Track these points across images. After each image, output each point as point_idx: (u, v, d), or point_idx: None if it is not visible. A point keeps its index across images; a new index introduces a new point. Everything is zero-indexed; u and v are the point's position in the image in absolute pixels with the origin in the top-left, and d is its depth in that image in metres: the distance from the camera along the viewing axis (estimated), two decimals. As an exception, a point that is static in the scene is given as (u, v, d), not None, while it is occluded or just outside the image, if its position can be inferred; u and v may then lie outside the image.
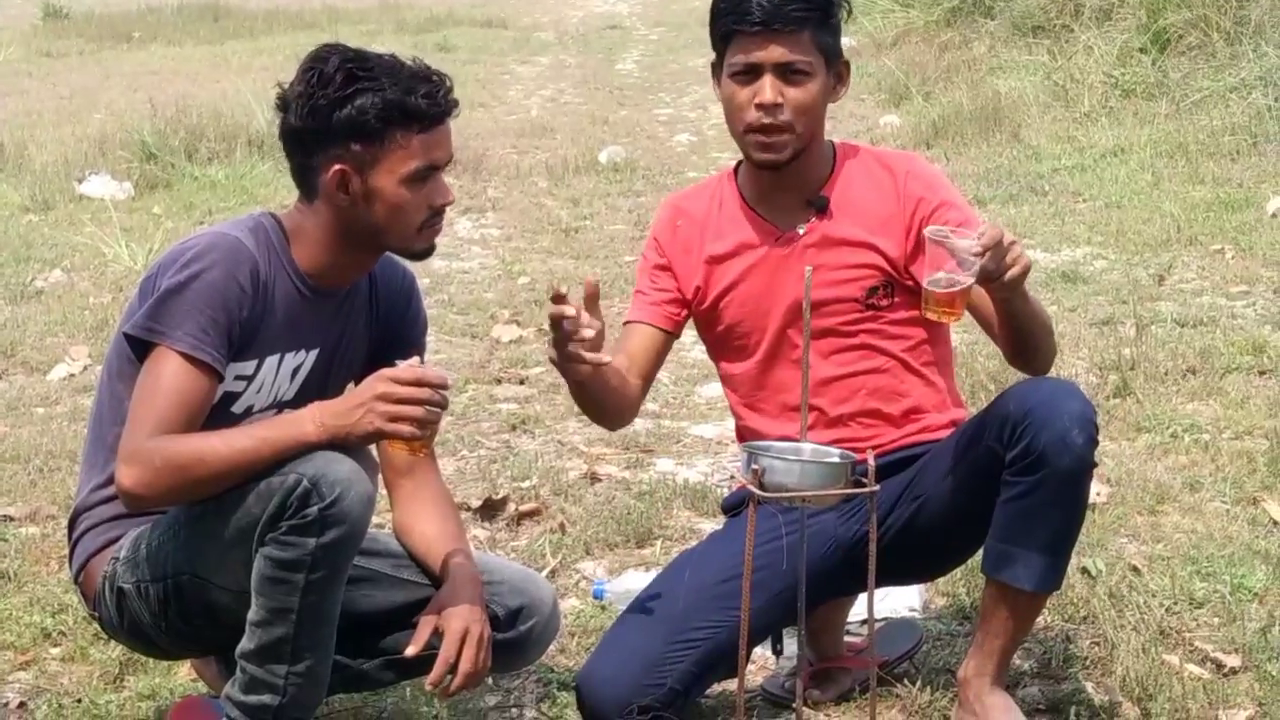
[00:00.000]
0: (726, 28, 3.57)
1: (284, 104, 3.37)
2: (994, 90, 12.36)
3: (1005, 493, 3.40)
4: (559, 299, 3.28)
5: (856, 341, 3.66)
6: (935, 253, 3.20)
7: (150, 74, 17.18)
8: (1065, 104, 11.96)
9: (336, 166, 3.33)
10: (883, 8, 16.94)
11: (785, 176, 3.64)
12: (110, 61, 18.66)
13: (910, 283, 3.62)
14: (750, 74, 3.54)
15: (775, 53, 3.51)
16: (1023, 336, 3.51)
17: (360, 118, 3.29)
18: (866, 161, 3.73)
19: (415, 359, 3.23)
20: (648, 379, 3.75)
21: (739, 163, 3.76)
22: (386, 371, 3.16)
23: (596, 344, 3.29)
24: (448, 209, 3.47)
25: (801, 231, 3.67)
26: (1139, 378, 6.03)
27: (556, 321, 3.29)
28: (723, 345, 3.82)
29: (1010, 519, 3.41)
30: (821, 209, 3.66)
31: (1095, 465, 3.43)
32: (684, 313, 3.78)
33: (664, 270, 3.78)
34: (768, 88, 3.52)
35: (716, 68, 3.64)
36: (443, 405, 3.17)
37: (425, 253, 3.48)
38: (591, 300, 3.31)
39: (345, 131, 3.30)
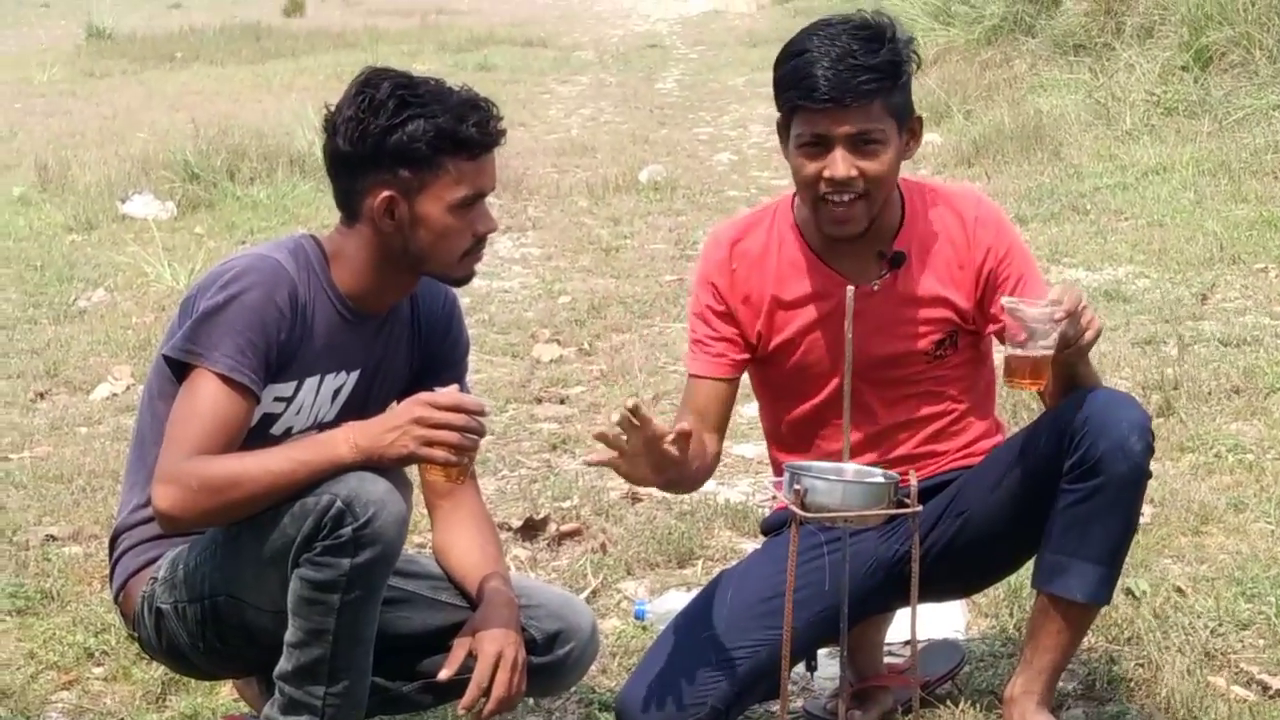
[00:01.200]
0: (792, 101, 3.45)
1: (332, 127, 3.35)
2: (1035, 108, 12.32)
3: (1060, 501, 3.39)
4: (636, 416, 3.17)
5: (920, 390, 3.63)
6: (1013, 324, 3.19)
7: (193, 94, 17.23)
8: (1107, 122, 11.91)
9: (385, 192, 3.32)
10: (923, 26, 16.90)
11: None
12: (153, 81, 18.73)
13: (973, 328, 3.60)
14: (819, 145, 3.42)
15: (844, 127, 3.39)
16: (1073, 390, 3.48)
17: (411, 145, 3.28)
18: (934, 206, 3.63)
19: (454, 386, 3.22)
20: (722, 430, 3.69)
21: (795, 197, 3.65)
22: (424, 396, 3.15)
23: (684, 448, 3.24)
24: (490, 236, 3.46)
25: (876, 287, 3.57)
26: (1182, 397, 6.00)
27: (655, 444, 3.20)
28: (778, 387, 3.75)
29: (1064, 528, 3.39)
30: (898, 265, 3.56)
31: (1150, 474, 3.41)
32: (747, 356, 3.69)
33: (723, 316, 3.66)
34: (840, 162, 3.40)
35: (783, 129, 3.53)
36: (480, 432, 3.15)
37: (464, 279, 3.48)
38: (636, 418, 3.17)
39: (395, 157, 3.29)
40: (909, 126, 3.51)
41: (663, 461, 3.22)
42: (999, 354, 3.40)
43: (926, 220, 3.61)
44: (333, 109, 3.38)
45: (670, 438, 3.18)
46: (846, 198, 3.43)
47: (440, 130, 3.27)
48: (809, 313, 3.61)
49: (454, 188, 3.31)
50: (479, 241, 3.40)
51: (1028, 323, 3.17)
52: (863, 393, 3.59)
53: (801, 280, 3.62)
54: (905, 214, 3.61)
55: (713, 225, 9.64)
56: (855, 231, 3.48)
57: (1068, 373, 3.41)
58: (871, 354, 3.57)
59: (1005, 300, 3.23)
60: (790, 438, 3.75)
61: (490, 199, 3.43)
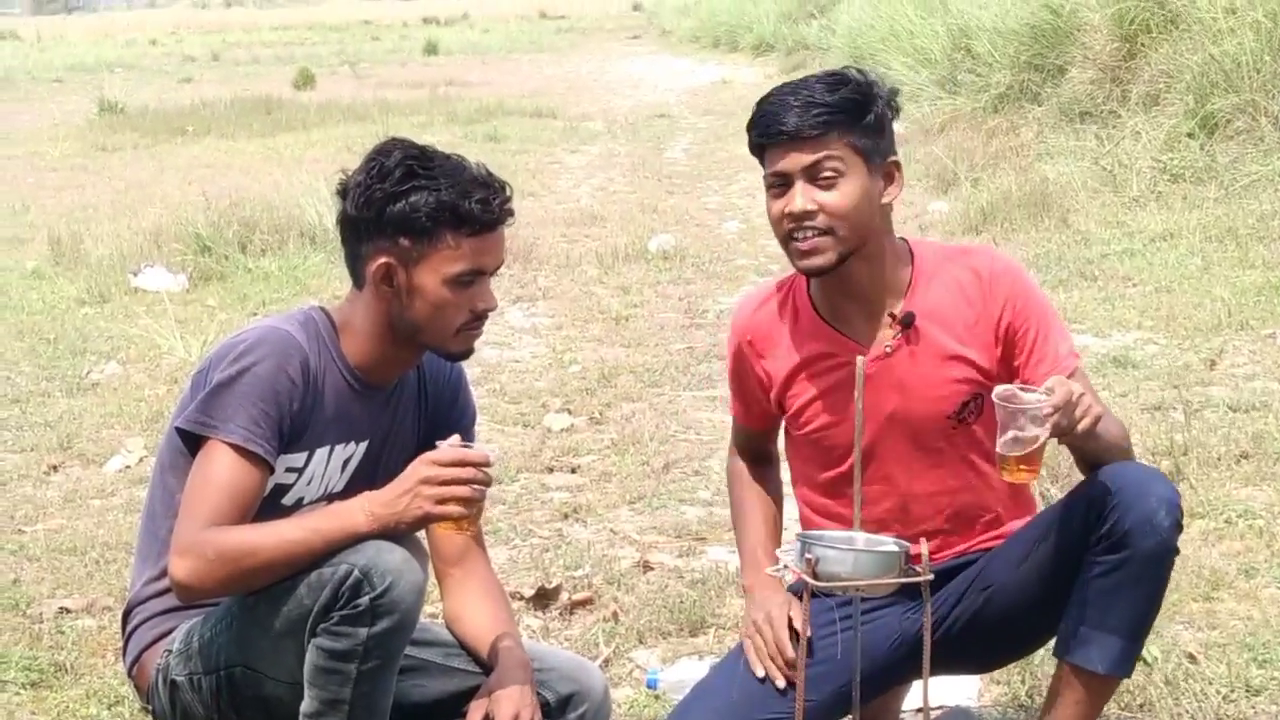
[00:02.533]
0: (756, 143, 3.52)
1: (343, 191, 3.41)
2: (1042, 175, 12.35)
3: (1086, 572, 3.38)
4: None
5: (945, 457, 3.58)
6: (1006, 414, 3.16)
7: (204, 167, 17.31)
8: (1114, 189, 11.93)
9: (383, 259, 3.35)
10: (930, 95, 16.99)
11: (851, 283, 3.54)
12: (165, 155, 18.81)
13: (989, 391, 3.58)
14: (783, 184, 3.46)
15: (800, 159, 3.42)
16: (1098, 463, 3.47)
17: (412, 214, 3.30)
18: (947, 263, 3.61)
19: (455, 438, 3.23)
20: (777, 453, 3.81)
21: None
22: (427, 455, 3.17)
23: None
24: (491, 313, 3.46)
25: (889, 350, 3.56)
26: (1191, 463, 5.99)
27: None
28: (802, 452, 3.74)
29: (1089, 599, 3.38)
30: (908, 325, 3.55)
31: (1178, 550, 3.40)
32: (775, 413, 3.73)
33: (745, 382, 3.74)
34: (798, 195, 3.42)
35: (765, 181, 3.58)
36: (486, 483, 3.18)
37: (461, 355, 3.49)
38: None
39: (396, 225, 3.32)
40: (884, 169, 3.51)
41: None
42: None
43: (940, 278, 3.59)
44: (347, 175, 3.43)
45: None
46: (809, 234, 3.44)
47: (441, 203, 3.30)
48: (822, 380, 3.60)
49: (452, 262, 3.33)
50: (477, 318, 3.40)
51: (1019, 413, 3.14)
52: (885, 461, 3.59)
53: (813, 346, 3.61)
54: (915, 272, 3.59)
55: (722, 294, 9.76)
56: (824, 265, 3.47)
57: (1081, 452, 3.42)
58: (892, 419, 3.57)
59: (996, 391, 3.19)
60: (818, 503, 3.74)
61: (502, 270, 3.44)
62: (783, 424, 3.77)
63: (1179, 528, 3.35)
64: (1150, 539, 3.32)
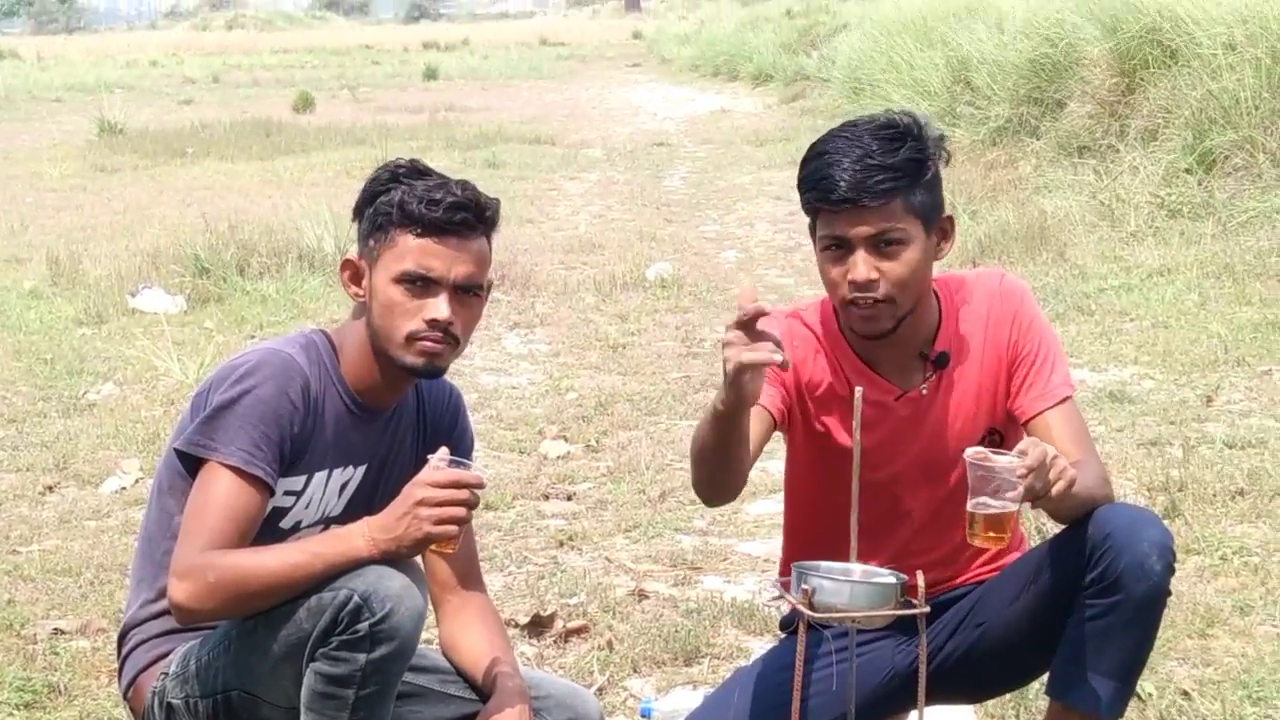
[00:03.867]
0: (811, 204, 3.43)
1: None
2: (1040, 209, 12.37)
3: (1077, 614, 3.37)
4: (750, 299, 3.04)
5: (955, 491, 3.48)
6: (977, 477, 3.12)
7: (203, 189, 17.33)
8: (1111, 223, 11.96)
9: (350, 259, 3.41)
10: (929, 127, 17.01)
11: (895, 336, 3.49)
12: (163, 177, 18.83)
13: (1005, 420, 3.58)
14: (841, 247, 3.39)
15: (864, 229, 3.35)
16: (1073, 520, 3.44)
17: (376, 215, 3.37)
18: (965, 298, 3.60)
19: (444, 450, 3.23)
20: (755, 459, 3.56)
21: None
22: (422, 477, 3.16)
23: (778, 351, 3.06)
24: (460, 334, 3.41)
25: (924, 391, 3.56)
26: (1187, 499, 6.00)
27: (750, 325, 3.04)
28: (812, 483, 3.71)
29: (1081, 641, 3.38)
30: (943, 365, 3.54)
31: (1170, 593, 3.39)
32: (784, 411, 3.60)
33: (785, 378, 3.57)
34: (860, 264, 3.36)
35: (811, 230, 3.50)
36: (475, 504, 3.18)
37: (414, 369, 3.40)
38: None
39: (366, 225, 3.40)
40: (938, 226, 3.47)
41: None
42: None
43: (963, 313, 3.59)
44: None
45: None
46: (870, 299, 3.39)
47: (398, 203, 3.34)
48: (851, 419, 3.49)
49: (398, 259, 3.34)
50: (431, 328, 3.35)
51: (991, 476, 3.11)
52: (903, 497, 3.59)
53: (847, 382, 3.55)
54: (943, 313, 3.58)
55: (720, 323, 9.74)
56: (881, 330, 3.44)
57: (1058, 514, 3.39)
58: (919, 457, 3.57)
59: (969, 452, 3.16)
60: (815, 537, 3.66)
61: (498, 295, 3.44)
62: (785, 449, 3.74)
63: (1171, 571, 3.34)
64: (1143, 583, 3.31)
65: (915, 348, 3.56)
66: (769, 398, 3.53)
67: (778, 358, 3.04)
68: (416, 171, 3.40)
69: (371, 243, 3.38)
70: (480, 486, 3.18)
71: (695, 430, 3.40)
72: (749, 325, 3.04)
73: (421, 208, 3.31)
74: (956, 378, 3.57)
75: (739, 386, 3.09)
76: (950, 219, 3.51)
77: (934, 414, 3.57)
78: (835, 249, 3.40)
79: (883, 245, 3.37)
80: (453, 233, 3.35)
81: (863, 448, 3.43)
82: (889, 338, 3.50)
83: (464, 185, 3.40)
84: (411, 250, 3.33)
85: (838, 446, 3.57)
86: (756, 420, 3.48)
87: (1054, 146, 14.67)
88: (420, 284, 3.34)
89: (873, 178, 3.33)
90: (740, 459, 3.36)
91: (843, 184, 3.34)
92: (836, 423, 3.59)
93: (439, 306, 3.35)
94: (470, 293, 3.40)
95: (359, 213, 3.44)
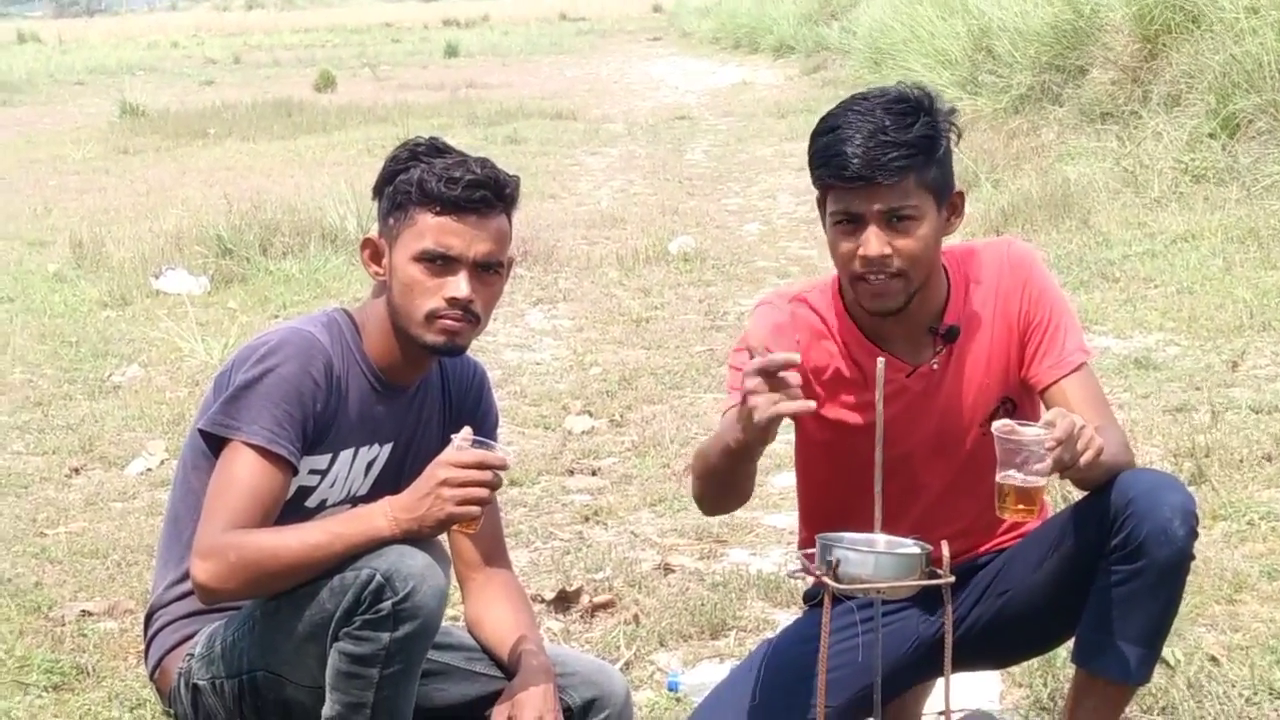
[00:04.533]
0: (823, 180, 3.40)
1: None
2: (1063, 176, 12.33)
3: (1101, 580, 3.36)
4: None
5: (972, 462, 3.52)
6: (1006, 449, 3.11)
7: (225, 170, 17.34)
8: (1135, 190, 11.90)
9: (370, 237, 3.41)
10: (951, 96, 16.93)
11: (903, 312, 3.47)
12: (186, 158, 18.85)
13: (1019, 381, 3.56)
14: (853, 223, 3.37)
15: (877, 204, 3.33)
16: (1098, 487, 3.43)
17: (394, 193, 3.38)
18: (974, 268, 3.58)
19: (467, 430, 3.23)
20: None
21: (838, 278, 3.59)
22: (445, 457, 3.17)
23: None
24: (481, 312, 3.42)
25: (935, 366, 3.54)
26: (1214, 465, 5.98)
27: (772, 372, 2.97)
28: (828, 464, 3.69)
29: (1105, 608, 3.37)
30: (952, 339, 3.53)
31: (1193, 558, 3.38)
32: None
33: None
34: (873, 240, 3.34)
35: (820, 204, 3.48)
36: (497, 485, 3.19)
37: (434, 347, 3.42)
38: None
39: (387, 203, 3.40)
40: (949, 202, 3.45)
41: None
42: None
43: (973, 286, 3.57)
44: None
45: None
46: (882, 275, 3.37)
47: (417, 181, 3.34)
48: (865, 396, 3.50)
49: (417, 238, 3.35)
50: (449, 306, 3.36)
51: (1019, 448, 3.10)
52: (918, 470, 3.58)
53: (856, 365, 3.56)
54: (951, 286, 3.56)
55: (743, 296, 9.75)
56: (893, 306, 3.43)
57: (1084, 483, 3.38)
58: (936, 433, 3.56)
59: (996, 425, 3.15)
60: (831, 514, 3.64)
61: (521, 271, 3.44)
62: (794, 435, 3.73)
63: (1194, 536, 3.33)
64: (1166, 549, 3.29)
65: (924, 323, 3.54)
66: None
67: (812, 405, 3.02)
68: (435, 149, 3.40)
69: (391, 221, 3.38)
70: (504, 467, 3.18)
71: (702, 451, 3.38)
72: (772, 373, 2.99)
73: (440, 186, 3.31)
74: (967, 350, 3.55)
75: (765, 431, 3.04)
76: (961, 194, 3.50)
77: (946, 388, 3.55)
78: (847, 224, 3.38)
79: (895, 221, 3.35)
80: (471, 210, 3.34)
81: (868, 424, 3.42)
82: (899, 314, 3.48)
83: (483, 163, 3.39)
84: (430, 228, 3.34)
85: (849, 427, 3.57)
86: None
87: (1076, 113, 14.61)
88: (440, 262, 3.34)
89: (887, 154, 3.30)
90: (748, 480, 3.37)
91: (856, 161, 3.31)
92: (847, 404, 3.58)
93: (458, 285, 3.35)
94: (490, 270, 3.40)
95: (379, 191, 3.44)
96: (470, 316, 3.38)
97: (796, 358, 3.00)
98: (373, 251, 3.44)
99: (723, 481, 3.32)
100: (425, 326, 3.38)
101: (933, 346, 3.55)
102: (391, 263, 3.39)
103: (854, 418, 3.56)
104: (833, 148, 3.36)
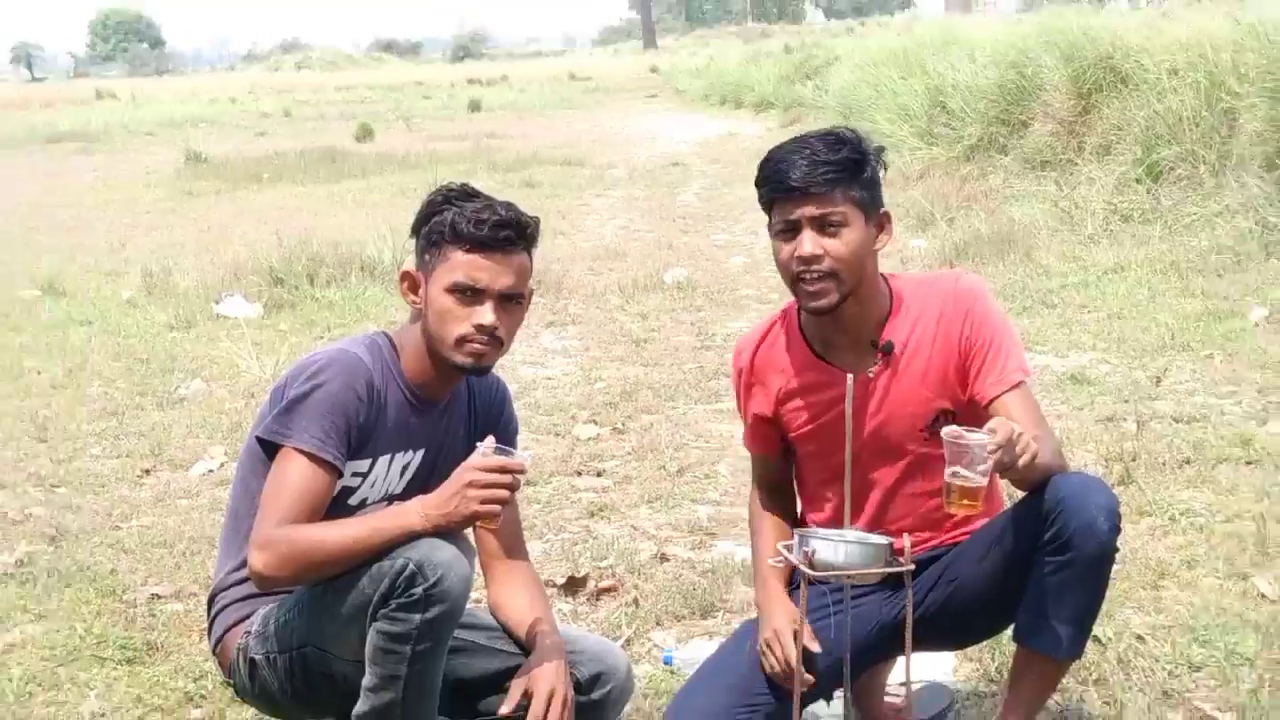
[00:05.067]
0: (768, 196, 3.51)
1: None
2: (1008, 216, 12.35)
3: (1037, 570, 3.37)
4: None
5: (920, 464, 3.56)
6: (953, 451, 3.12)
7: (277, 210, 17.34)
8: (1071, 228, 11.93)
9: (407, 270, 3.42)
10: (910, 146, 16.96)
11: (843, 319, 3.54)
12: (242, 199, 18.85)
13: (966, 398, 3.57)
14: (791, 230, 3.46)
15: (809, 210, 3.43)
16: (1034, 488, 3.45)
17: (432, 232, 3.38)
18: (921, 291, 3.63)
19: (490, 439, 3.24)
20: (792, 481, 3.78)
21: (797, 305, 3.65)
22: (472, 462, 3.18)
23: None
24: (505, 337, 3.43)
25: (871, 374, 3.58)
26: (1140, 468, 5.99)
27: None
28: (801, 465, 3.77)
29: (1041, 593, 3.38)
30: (888, 352, 3.56)
31: (1118, 550, 3.39)
32: (778, 432, 3.74)
33: (755, 414, 3.72)
34: (806, 241, 3.43)
35: (769, 227, 3.56)
36: (516, 486, 3.19)
37: (463, 367, 3.43)
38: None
39: (422, 241, 3.41)
40: (877, 220, 3.52)
41: None
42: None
43: (915, 307, 3.60)
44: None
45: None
46: (816, 274, 3.44)
47: (450, 222, 3.35)
48: (815, 405, 3.61)
49: (450, 271, 3.36)
50: (477, 331, 3.37)
51: (964, 451, 3.11)
52: (869, 469, 3.60)
53: (806, 376, 3.63)
54: (894, 304, 3.60)
55: (729, 320, 9.76)
56: (827, 305, 3.48)
57: (1022, 484, 3.39)
58: (875, 433, 3.58)
59: (945, 430, 3.15)
60: (813, 505, 3.76)
61: (535, 299, 3.45)
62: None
63: (1117, 531, 3.34)
64: (1091, 542, 3.31)
65: (866, 336, 3.58)
66: (763, 445, 3.79)
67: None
68: (466, 194, 3.42)
69: (427, 257, 3.39)
70: (522, 471, 3.19)
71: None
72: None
73: (470, 227, 3.33)
74: (906, 365, 3.58)
75: None
76: (888, 214, 3.56)
77: (882, 395, 3.58)
78: (786, 231, 3.47)
79: (826, 226, 3.44)
80: (497, 248, 3.35)
81: (817, 426, 3.57)
82: (839, 321, 3.54)
83: (508, 206, 3.40)
84: (462, 264, 3.34)
85: (800, 428, 3.66)
86: (770, 464, 3.81)
87: (1020, 161, 14.65)
88: (469, 293, 3.36)
89: (817, 170, 3.41)
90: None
91: (793, 176, 3.42)
92: (797, 410, 3.66)
93: (485, 313, 3.37)
94: (513, 300, 3.41)
95: (416, 230, 3.45)
96: (495, 341, 3.40)
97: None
98: (410, 283, 3.45)
99: None
100: (456, 349, 3.39)
101: (873, 358, 3.58)
102: (427, 293, 3.40)
103: (800, 420, 3.66)
104: (775, 167, 3.48)
